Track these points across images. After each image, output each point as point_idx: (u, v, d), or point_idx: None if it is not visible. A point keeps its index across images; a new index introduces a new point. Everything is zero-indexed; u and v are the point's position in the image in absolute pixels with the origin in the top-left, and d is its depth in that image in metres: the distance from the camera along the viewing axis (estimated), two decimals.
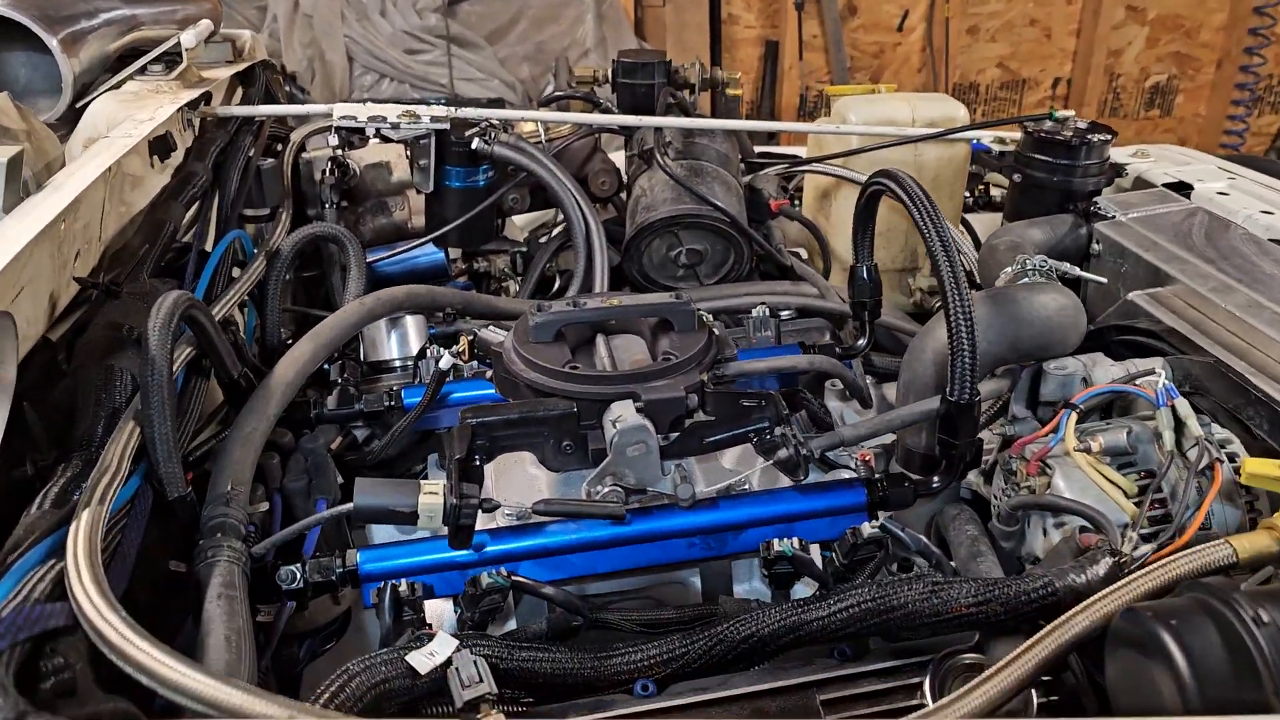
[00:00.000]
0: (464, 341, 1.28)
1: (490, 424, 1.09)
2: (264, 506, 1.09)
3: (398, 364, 1.58)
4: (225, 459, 1.13)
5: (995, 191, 2.17)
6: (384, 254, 1.74)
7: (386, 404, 1.39)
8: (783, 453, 1.10)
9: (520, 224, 2.25)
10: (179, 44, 1.58)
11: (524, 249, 1.94)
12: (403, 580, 1.03)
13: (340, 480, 1.35)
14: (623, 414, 1.07)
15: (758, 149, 2.22)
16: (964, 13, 4.74)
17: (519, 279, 1.93)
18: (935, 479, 1.16)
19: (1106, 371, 1.22)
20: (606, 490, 1.06)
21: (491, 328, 1.28)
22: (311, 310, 1.69)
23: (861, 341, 1.46)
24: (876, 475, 1.16)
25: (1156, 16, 4.90)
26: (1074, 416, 1.12)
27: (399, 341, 1.59)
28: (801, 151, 2.57)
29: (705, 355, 1.17)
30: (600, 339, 1.22)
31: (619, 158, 2.12)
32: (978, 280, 1.71)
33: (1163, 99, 5.12)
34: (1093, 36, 4.81)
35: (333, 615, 1.18)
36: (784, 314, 1.65)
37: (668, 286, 1.87)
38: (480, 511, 1.00)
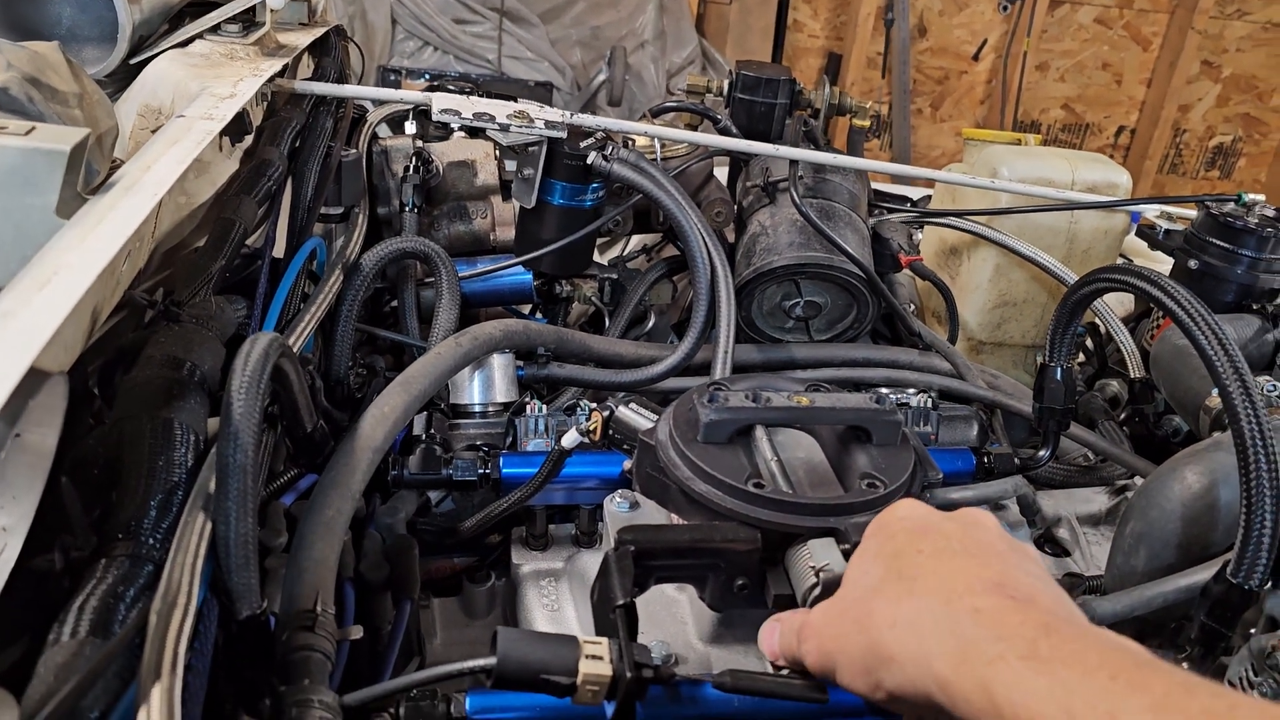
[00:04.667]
0: (596, 418, 1.04)
1: (654, 551, 0.85)
2: (356, 634, 0.85)
3: (479, 409, 1.34)
4: (304, 555, 0.88)
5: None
6: (466, 270, 1.49)
7: (480, 473, 1.15)
8: None
9: (598, 242, 2.01)
10: (261, 1, 1.32)
11: (614, 275, 1.69)
12: None
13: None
14: (829, 561, 0.83)
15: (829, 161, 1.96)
16: (1036, 48, 4.52)
17: (606, 308, 1.69)
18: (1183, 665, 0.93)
19: None
20: None
21: (634, 407, 1.04)
22: (376, 331, 1.44)
23: (1043, 453, 1.23)
24: None
25: (1231, 75, 4.71)
26: None
27: (483, 384, 1.34)
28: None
29: (913, 483, 0.94)
30: (760, 430, 0.98)
31: (720, 175, 1.87)
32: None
33: (1224, 161, 4.93)
34: (1165, 88, 4.61)
35: None
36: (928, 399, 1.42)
37: (773, 337, 1.64)
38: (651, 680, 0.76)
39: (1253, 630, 0.90)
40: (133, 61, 1.29)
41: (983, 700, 0.54)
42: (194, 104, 1.06)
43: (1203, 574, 0.92)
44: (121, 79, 1.29)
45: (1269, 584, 1.01)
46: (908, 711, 0.66)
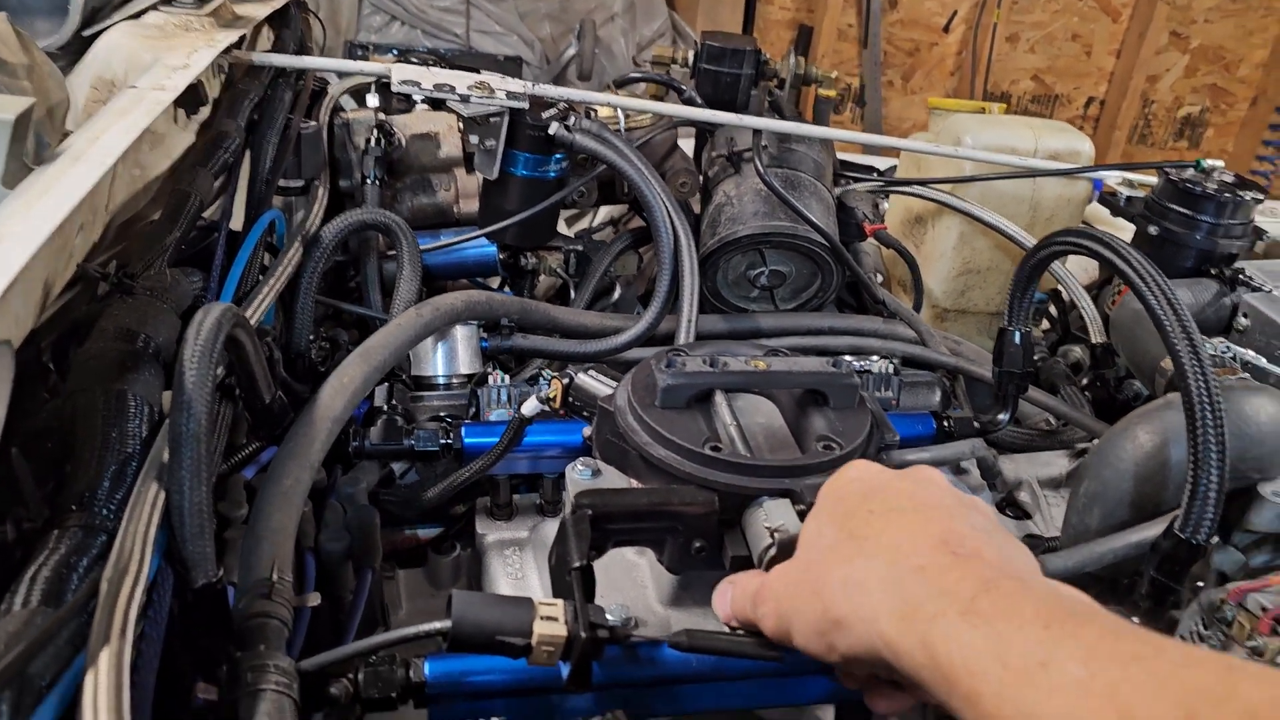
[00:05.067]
0: (556, 385, 1.04)
1: (611, 514, 0.85)
2: (314, 601, 0.85)
3: (442, 381, 1.34)
4: (262, 525, 0.88)
5: None
6: (430, 243, 1.48)
7: (442, 443, 1.15)
8: None
9: (564, 215, 2.01)
10: None
11: (579, 247, 1.69)
12: None
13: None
14: (784, 522, 0.84)
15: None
16: (1007, 19, 4.53)
17: (573, 280, 1.69)
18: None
19: None
20: None
21: (594, 374, 1.04)
22: (338, 303, 1.43)
23: (1003, 416, 1.24)
24: None
25: (1199, 46, 4.73)
26: None
27: (446, 355, 1.34)
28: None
29: (869, 445, 0.95)
30: (720, 396, 0.99)
31: (685, 147, 1.87)
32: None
33: (1192, 131, 4.97)
34: (1134, 59, 4.63)
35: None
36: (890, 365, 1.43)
37: (738, 307, 1.65)
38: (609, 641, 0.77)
39: (1199, 583, 0.92)
40: (85, 34, 1.27)
41: (924, 656, 0.56)
42: (146, 75, 1.05)
43: (1152, 530, 0.94)
44: (74, 51, 1.27)
45: (1216, 539, 1.03)
46: (862, 669, 0.67)
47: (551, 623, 0.75)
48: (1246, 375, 1.16)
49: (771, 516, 0.85)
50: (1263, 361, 1.22)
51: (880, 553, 0.64)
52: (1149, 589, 0.93)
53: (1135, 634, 0.50)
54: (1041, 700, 0.49)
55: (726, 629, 0.83)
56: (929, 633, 0.56)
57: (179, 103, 1.15)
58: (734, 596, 0.79)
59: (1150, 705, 0.45)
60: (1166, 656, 0.48)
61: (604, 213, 2.00)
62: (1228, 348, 1.20)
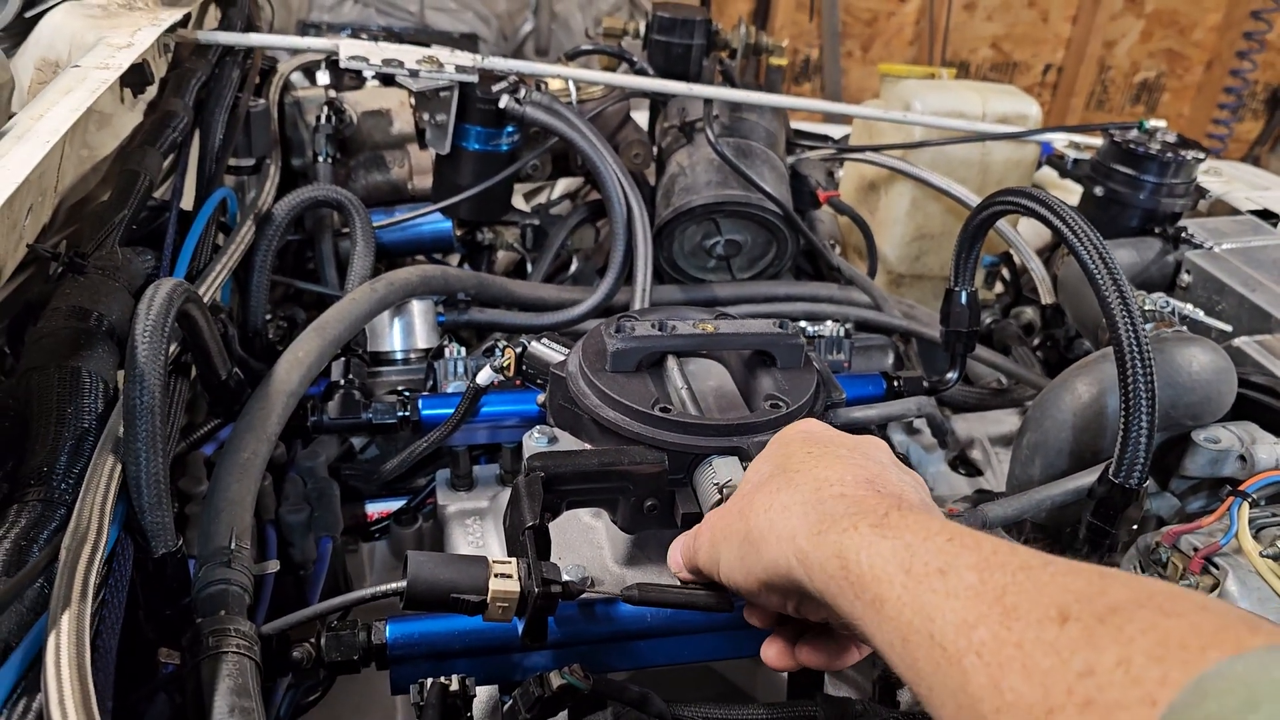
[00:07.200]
0: (509, 354, 1.06)
1: (563, 476, 0.87)
2: (273, 568, 0.87)
3: (400, 356, 1.35)
4: (220, 496, 0.89)
5: None
6: (384, 219, 1.49)
7: (400, 415, 1.16)
8: None
9: (523, 190, 2.02)
10: None
11: (535, 222, 1.70)
12: (453, 677, 0.81)
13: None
14: (731, 477, 0.86)
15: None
16: None
17: (530, 255, 1.70)
18: None
19: (1272, 451, 1.05)
20: None
21: (546, 342, 1.06)
22: (293, 281, 1.44)
23: (951, 375, 1.27)
24: None
25: (1154, 10, 4.77)
26: (1245, 509, 0.95)
27: (403, 330, 1.35)
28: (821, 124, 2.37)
29: (816, 402, 0.97)
30: (671, 360, 1.01)
31: (639, 119, 1.88)
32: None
33: (1149, 96, 5.02)
34: (1090, 24, 4.66)
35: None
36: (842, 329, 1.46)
37: (696, 278, 1.66)
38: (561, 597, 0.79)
39: (1134, 527, 0.95)
40: (28, 15, 1.26)
41: (835, 565, 0.58)
42: (89, 54, 1.05)
43: (1088, 477, 0.97)
44: (17, 33, 1.26)
45: (1153, 485, 1.07)
46: (775, 604, 0.70)
47: (505, 579, 0.77)
48: (1183, 328, 1.19)
49: (720, 473, 0.87)
50: (1200, 315, 1.26)
51: (807, 483, 0.67)
52: (1086, 533, 0.96)
53: (1029, 551, 0.54)
54: (939, 603, 0.52)
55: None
56: (841, 542, 0.59)
57: (125, 82, 1.15)
58: (683, 546, 0.82)
59: (1030, 606, 0.48)
60: (1051, 568, 0.51)
61: (561, 187, 2.00)
62: (1166, 302, 1.23)
